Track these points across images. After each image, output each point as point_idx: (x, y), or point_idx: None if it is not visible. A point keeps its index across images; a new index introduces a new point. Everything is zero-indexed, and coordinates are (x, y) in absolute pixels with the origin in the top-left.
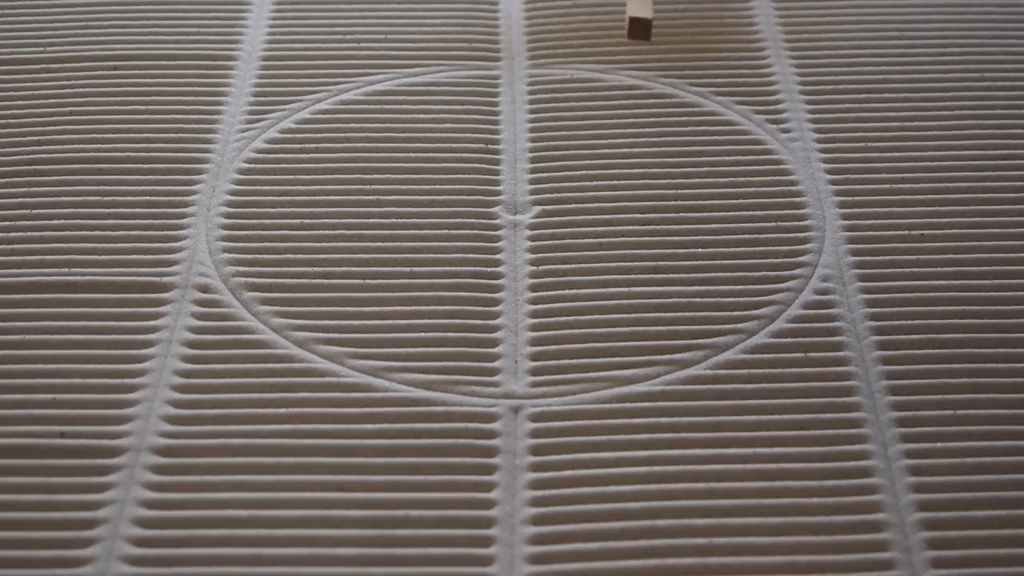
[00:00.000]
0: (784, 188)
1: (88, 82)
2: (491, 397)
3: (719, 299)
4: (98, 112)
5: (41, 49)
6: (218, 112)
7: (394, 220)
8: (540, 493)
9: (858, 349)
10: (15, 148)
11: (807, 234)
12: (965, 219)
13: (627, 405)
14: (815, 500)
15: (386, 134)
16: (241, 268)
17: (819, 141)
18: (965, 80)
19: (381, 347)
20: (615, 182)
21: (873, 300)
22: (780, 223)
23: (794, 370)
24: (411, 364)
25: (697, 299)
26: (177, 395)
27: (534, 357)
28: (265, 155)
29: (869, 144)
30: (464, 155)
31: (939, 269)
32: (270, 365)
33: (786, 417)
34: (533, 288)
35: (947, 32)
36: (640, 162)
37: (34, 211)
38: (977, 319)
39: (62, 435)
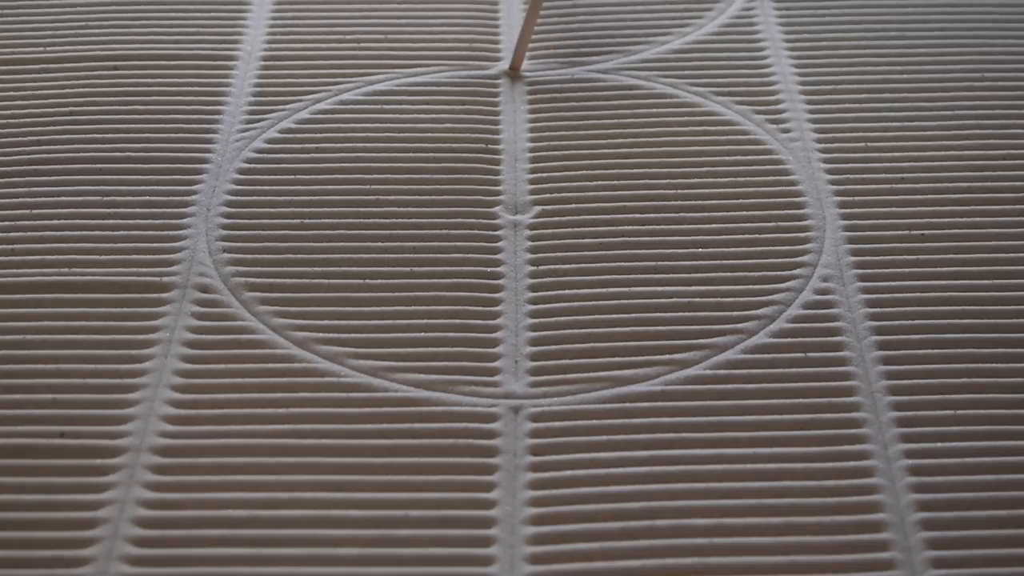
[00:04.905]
0: (784, 188)
1: (88, 82)
2: (491, 397)
3: (719, 299)
4: (98, 112)
5: (41, 49)
6: (218, 112)
7: (394, 220)
8: (540, 493)
9: (858, 349)
10: (15, 148)
11: (807, 234)
12: (965, 219)
13: (627, 405)
14: (815, 500)
15: (386, 134)
16: (241, 268)
17: (819, 141)
18: (965, 80)
19: (381, 347)
20: (615, 182)
21: (873, 300)
22: (780, 223)
23: (794, 370)
24: (411, 364)
25: (697, 299)
26: (177, 395)
27: (534, 357)
28: (265, 155)
29: (869, 144)
30: (464, 155)
31: (939, 269)
32: (270, 365)
33: (786, 417)
34: (533, 288)
35: (947, 32)
36: (640, 162)
37: (34, 211)
38: (977, 319)
39: (62, 435)
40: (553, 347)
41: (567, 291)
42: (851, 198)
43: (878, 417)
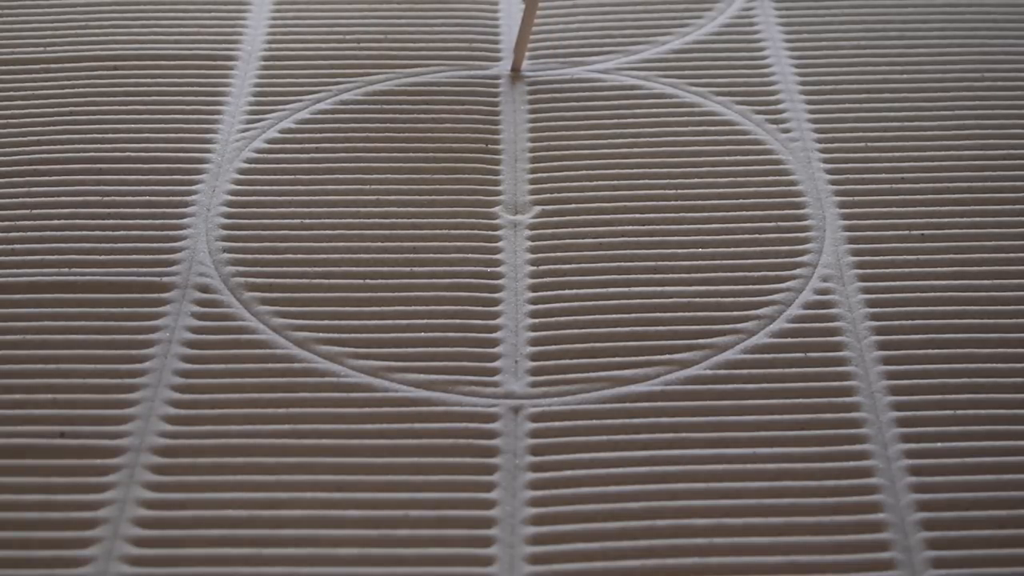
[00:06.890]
0: (784, 188)
1: (88, 82)
2: (491, 397)
3: (719, 299)
4: (98, 112)
5: (41, 49)
6: (218, 112)
7: (394, 220)
8: (540, 493)
9: (858, 349)
10: (15, 148)
11: (807, 234)
12: (965, 219)
13: (627, 405)
14: (815, 500)
15: (386, 134)
16: (241, 268)
17: (819, 141)
18: (965, 80)
19: (381, 347)
20: (615, 182)
21: (873, 300)
22: (780, 223)
23: (794, 370)
24: (411, 364)
25: (697, 299)
26: (177, 395)
27: (534, 357)
28: (265, 155)
29: (869, 144)
30: (464, 155)
31: (939, 269)
32: (270, 365)
33: (786, 417)
34: (533, 288)
35: (947, 32)
36: (640, 162)
37: (34, 211)
38: (977, 319)
39: (62, 435)
40: (553, 347)
41: (567, 291)
42: (851, 198)
43: (878, 417)
